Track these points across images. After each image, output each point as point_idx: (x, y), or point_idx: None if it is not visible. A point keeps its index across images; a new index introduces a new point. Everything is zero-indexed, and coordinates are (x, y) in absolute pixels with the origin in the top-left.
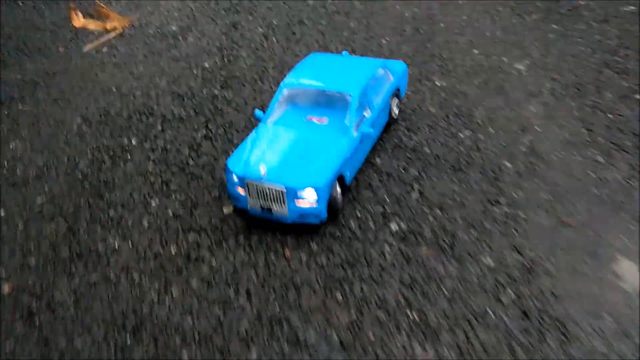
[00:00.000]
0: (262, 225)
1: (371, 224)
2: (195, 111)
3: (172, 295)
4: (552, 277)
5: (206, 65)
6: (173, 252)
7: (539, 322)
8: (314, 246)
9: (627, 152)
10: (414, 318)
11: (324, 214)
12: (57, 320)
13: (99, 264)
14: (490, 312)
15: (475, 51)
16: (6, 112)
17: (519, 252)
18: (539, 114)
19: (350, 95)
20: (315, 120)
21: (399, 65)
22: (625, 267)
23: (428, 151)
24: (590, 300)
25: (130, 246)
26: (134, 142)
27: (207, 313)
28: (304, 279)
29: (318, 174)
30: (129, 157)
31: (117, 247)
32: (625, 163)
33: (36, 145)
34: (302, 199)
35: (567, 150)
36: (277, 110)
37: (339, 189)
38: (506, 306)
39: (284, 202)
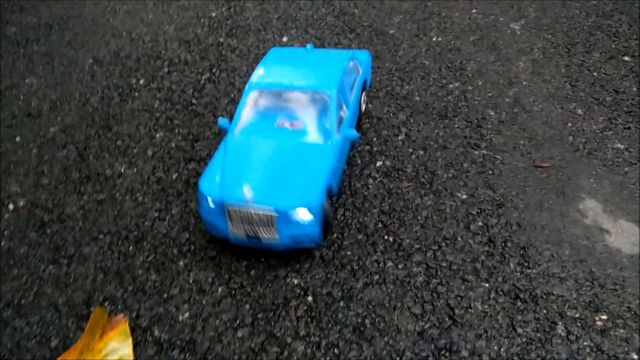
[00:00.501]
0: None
1: (358, 160)
2: (200, 56)
3: (171, 214)
4: (520, 211)
5: (213, 14)
6: (174, 178)
7: (502, 247)
8: None
9: (606, 107)
10: (390, 240)
11: (320, 236)
12: (67, 231)
13: (106, 185)
14: (459, 238)
15: (474, 11)
16: (22, 52)
17: (491, 189)
18: (528, 69)
19: (327, 95)
20: (287, 125)
21: (364, 55)
22: (589, 205)
23: (418, 99)
24: (553, 232)
25: (135, 171)
26: (141, 82)
27: (203, 231)
28: None
29: (309, 190)
30: (136, 95)
31: (123, 172)
32: (604, 116)
33: (50, 81)
34: (295, 221)
35: (550, 102)
36: (244, 117)
37: (328, 203)
38: (474, 233)
39: (273, 227)
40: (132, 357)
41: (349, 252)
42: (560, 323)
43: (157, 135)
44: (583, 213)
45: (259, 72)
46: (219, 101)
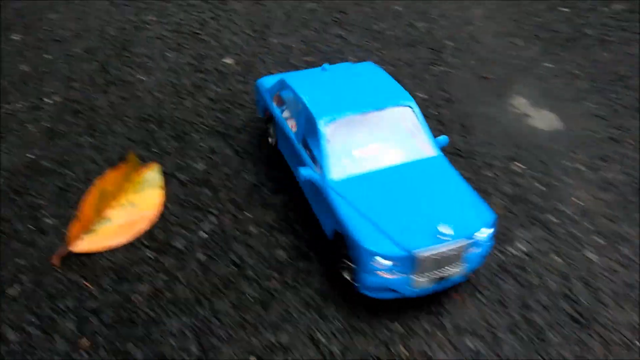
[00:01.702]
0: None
1: None
2: (203, 1)
3: (185, 105)
4: (465, 104)
5: None
6: (186, 83)
7: (450, 125)
8: None
9: (543, 41)
10: None
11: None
12: (98, 116)
13: (128, 87)
14: None
15: None
16: None
17: (445, 91)
18: (483, 15)
19: (410, 106)
20: (370, 150)
21: None
22: (520, 101)
23: (390, 34)
24: (489, 117)
25: (153, 79)
26: (153, 18)
27: (212, 116)
28: None
29: (477, 206)
30: (149, 27)
31: (142, 79)
32: (540, 47)
33: (70, 16)
34: (479, 243)
35: (498, 37)
36: (332, 157)
37: None
38: (428, 117)
39: (461, 259)
40: (163, 185)
41: None
42: (488, 168)
43: (169, 55)
44: (514, 106)
45: (310, 104)
46: (222, 32)
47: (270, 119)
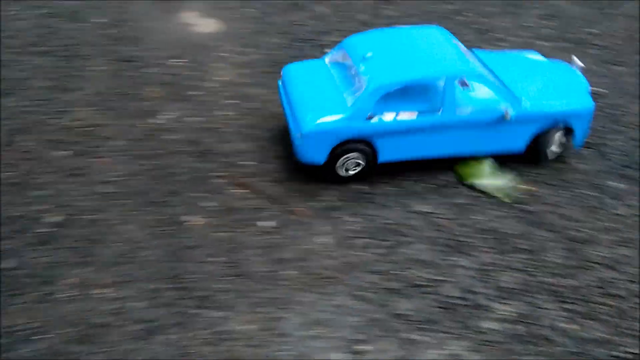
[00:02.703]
0: None
1: None
2: None
3: None
4: (140, 22)
5: None
6: None
7: (123, 39)
8: None
9: None
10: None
11: None
12: None
13: None
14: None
15: None
16: None
17: (124, 13)
18: None
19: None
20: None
21: None
22: (188, 14)
23: None
24: (159, 30)
25: None
26: None
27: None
28: None
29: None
30: None
31: None
32: None
33: None
34: None
35: None
36: (506, 87)
37: None
38: (109, 37)
39: None
40: None
41: None
42: (153, 67)
43: None
44: (183, 19)
45: (448, 70)
46: None
47: (347, 149)
